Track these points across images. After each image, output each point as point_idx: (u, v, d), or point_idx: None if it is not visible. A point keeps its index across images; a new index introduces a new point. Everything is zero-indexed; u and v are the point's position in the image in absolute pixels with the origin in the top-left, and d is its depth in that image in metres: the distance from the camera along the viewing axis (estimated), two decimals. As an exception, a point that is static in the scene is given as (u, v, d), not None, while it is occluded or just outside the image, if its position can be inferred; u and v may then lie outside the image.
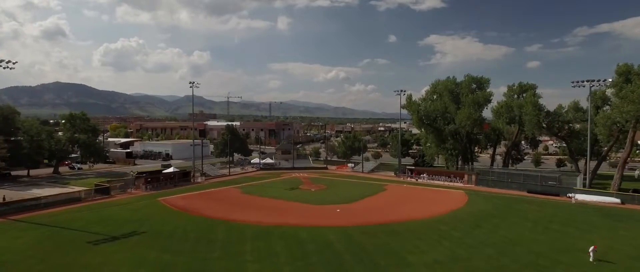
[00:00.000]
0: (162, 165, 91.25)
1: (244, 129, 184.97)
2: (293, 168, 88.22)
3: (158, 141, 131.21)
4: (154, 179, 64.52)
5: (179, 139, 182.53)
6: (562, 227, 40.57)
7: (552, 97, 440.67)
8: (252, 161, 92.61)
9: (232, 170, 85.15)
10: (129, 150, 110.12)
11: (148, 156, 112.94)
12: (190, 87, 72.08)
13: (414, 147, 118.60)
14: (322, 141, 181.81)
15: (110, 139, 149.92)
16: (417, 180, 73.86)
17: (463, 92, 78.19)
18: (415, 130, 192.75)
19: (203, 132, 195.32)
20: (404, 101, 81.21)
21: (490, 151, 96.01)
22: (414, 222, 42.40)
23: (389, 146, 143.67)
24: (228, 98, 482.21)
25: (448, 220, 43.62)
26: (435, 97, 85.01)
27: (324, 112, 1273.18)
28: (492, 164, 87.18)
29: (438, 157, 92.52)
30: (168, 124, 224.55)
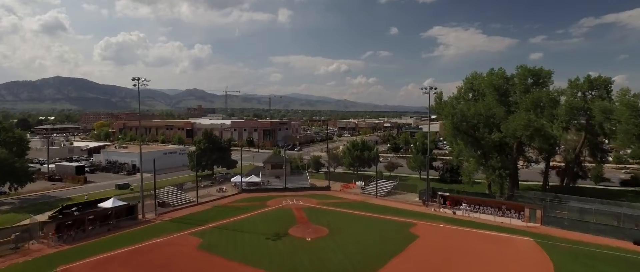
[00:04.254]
0: (116, 186, 71.11)
1: (235, 129, 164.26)
2: (285, 189, 67.60)
3: (126, 148, 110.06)
4: (76, 223, 43.91)
5: (162, 141, 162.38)
6: None
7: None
8: (232, 179, 72.05)
9: (206, 191, 65.24)
10: (79, 164, 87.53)
11: (110, 168, 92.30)
12: (135, 86, 51.32)
13: (435, 153, 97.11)
14: (324, 140, 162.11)
15: (76, 144, 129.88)
16: (454, 212, 53.14)
17: (516, 90, 57.61)
18: (426, 128, 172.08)
19: (190, 133, 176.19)
20: (433, 101, 60.60)
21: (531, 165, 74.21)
22: None
23: (402, 151, 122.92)
24: (226, 92, 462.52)
25: None
26: (470, 95, 64.76)
27: (325, 105, 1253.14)
28: (544, 186, 66.33)
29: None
30: (153, 123, 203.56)
